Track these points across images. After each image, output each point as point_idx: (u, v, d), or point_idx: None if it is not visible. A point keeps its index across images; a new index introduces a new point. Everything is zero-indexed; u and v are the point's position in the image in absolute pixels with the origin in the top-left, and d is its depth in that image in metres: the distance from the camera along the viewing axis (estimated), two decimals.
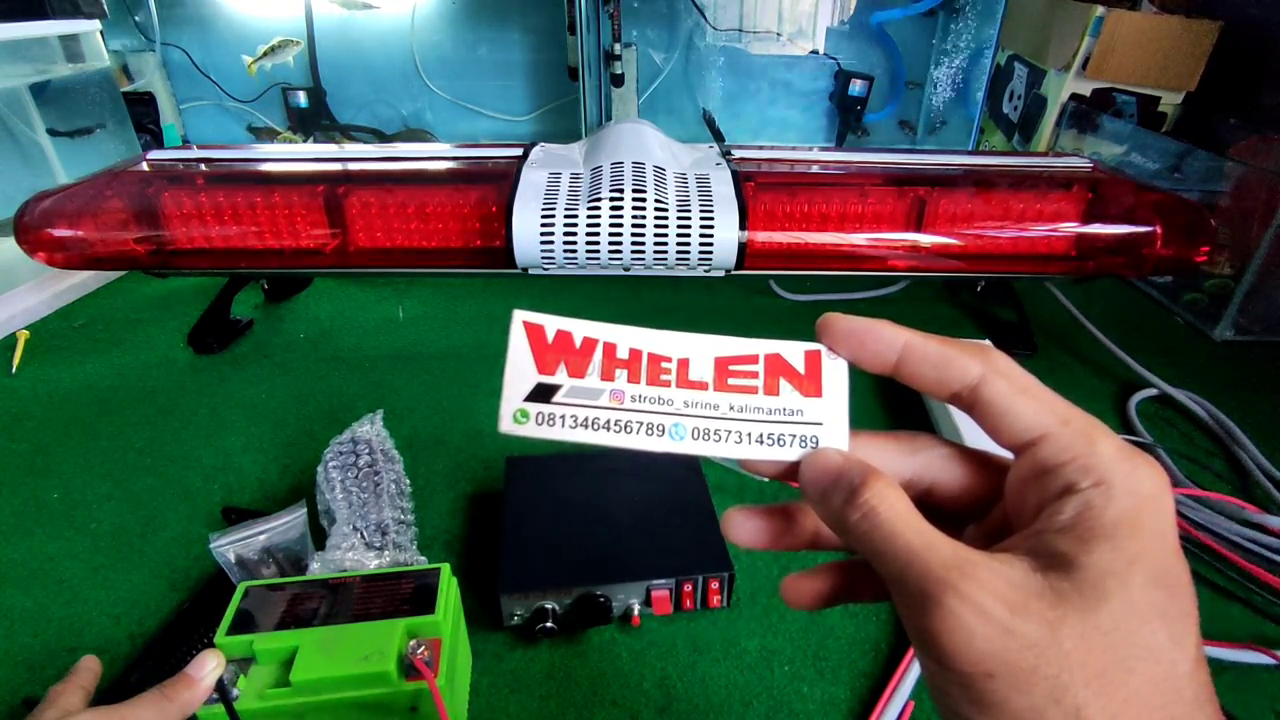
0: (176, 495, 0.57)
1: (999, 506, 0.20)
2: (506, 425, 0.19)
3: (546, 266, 0.66)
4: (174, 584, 0.49)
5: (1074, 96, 1.08)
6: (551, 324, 0.20)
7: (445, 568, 0.38)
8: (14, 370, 0.73)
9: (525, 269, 0.67)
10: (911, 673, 0.43)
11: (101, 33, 0.95)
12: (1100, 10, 1.02)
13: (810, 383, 0.21)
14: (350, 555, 0.44)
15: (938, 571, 0.16)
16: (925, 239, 0.68)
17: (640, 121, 0.80)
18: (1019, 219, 0.68)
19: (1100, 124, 1.02)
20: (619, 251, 0.64)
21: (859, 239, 0.68)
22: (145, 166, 0.70)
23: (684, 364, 0.21)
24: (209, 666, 0.32)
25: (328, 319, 0.85)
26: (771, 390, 0.21)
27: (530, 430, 0.19)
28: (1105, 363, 0.76)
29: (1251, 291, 0.78)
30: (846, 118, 1.36)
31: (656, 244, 0.64)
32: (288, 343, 0.79)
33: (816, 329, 0.21)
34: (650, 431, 0.20)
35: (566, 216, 0.64)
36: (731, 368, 0.21)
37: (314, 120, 1.36)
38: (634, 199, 0.63)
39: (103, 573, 0.50)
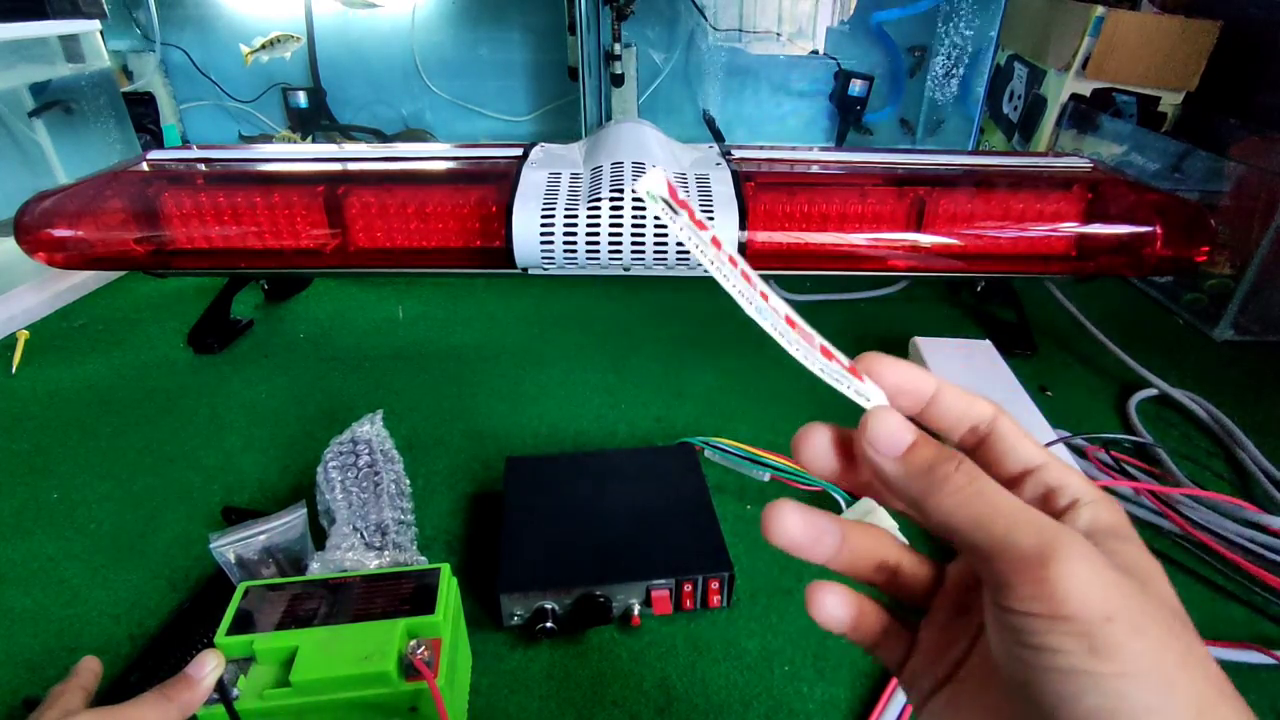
0: (176, 495, 0.57)
1: (940, 596, 0.23)
2: (645, 186, 0.21)
3: (546, 266, 0.66)
4: (174, 584, 0.49)
5: (1074, 96, 1.08)
6: (682, 193, 0.22)
7: (445, 568, 0.38)
8: (14, 370, 0.73)
9: (525, 269, 0.67)
10: None
11: (101, 33, 0.95)
12: (1100, 10, 1.02)
13: (853, 373, 0.22)
14: (350, 555, 0.44)
15: (1050, 527, 0.18)
16: (925, 239, 0.68)
17: (640, 121, 0.80)
18: (1019, 219, 0.68)
19: (1100, 124, 1.02)
20: (619, 251, 0.64)
21: (859, 239, 0.68)
22: (145, 166, 0.70)
23: (765, 295, 0.22)
24: (209, 666, 0.32)
25: (328, 319, 0.85)
26: (826, 355, 0.22)
27: (658, 208, 0.21)
28: (1105, 363, 0.76)
29: (1251, 291, 0.78)
30: (846, 118, 1.37)
31: (656, 244, 0.64)
32: (288, 343, 0.79)
33: (860, 360, 0.23)
34: (743, 297, 0.22)
35: (566, 216, 0.64)
36: (797, 324, 0.23)
37: (314, 120, 1.36)
38: (634, 199, 0.63)
39: (103, 573, 0.50)
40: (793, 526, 0.23)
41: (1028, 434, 0.21)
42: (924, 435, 0.21)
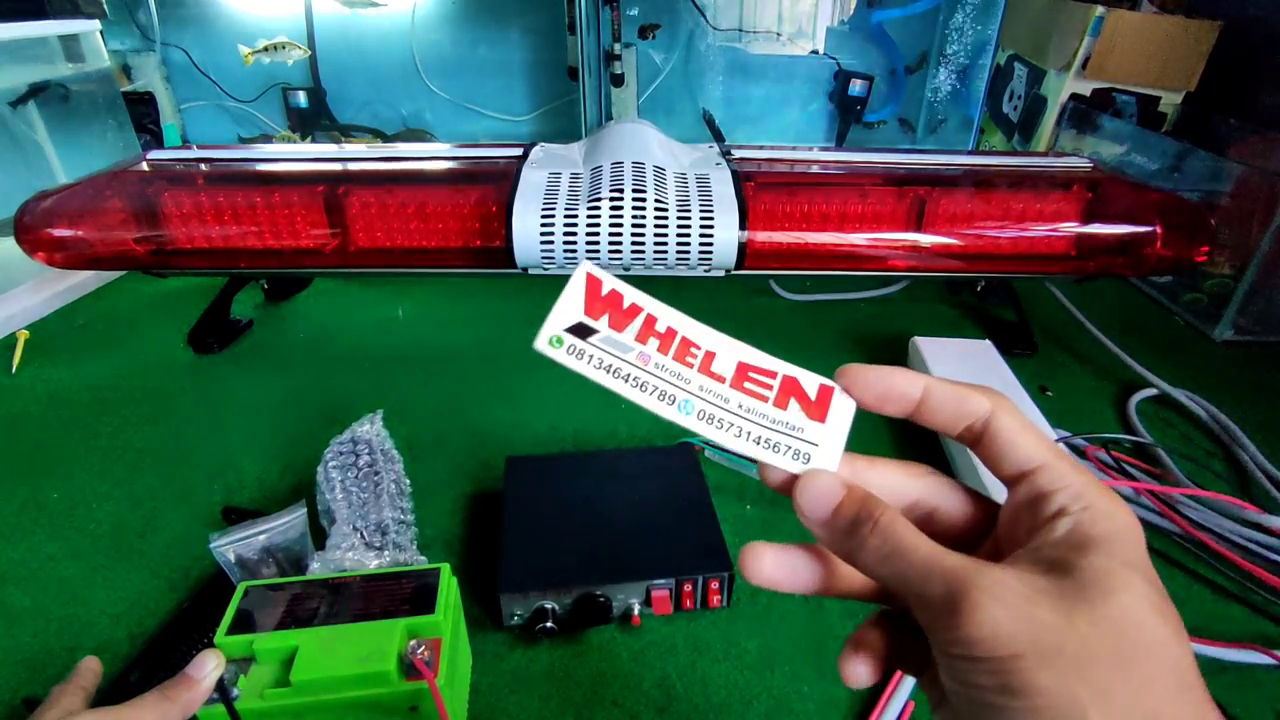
0: (176, 495, 0.57)
1: (990, 540, 0.22)
2: (541, 344, 0.21)
3: (546, 266, 0.66)
4: (174, 584, 0.49)
5: (1074, 96, 1.08)
6: (609, 282, 0.22)
7: (445, 568, 0.38)
8: (14, 370, 0.73)
9: (525, 269, 0.67)
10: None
11: (101, 33, 0.95)
12: (1100, 10, 1.02)
13: (817, 410, 0.22)
14: (350, 555, 0.44)
15: (957, 574, 0.18)
16: (925, 239, 0.68)
17: (640, 121, 0.80)
18: (1019, 219, 0.68)
19: (1100, 124, 1.02)
20: (619, 251, 0.64)
21: (859, 239, 0.68)
22: (145, 166, 0.70)
23: (710, 355, 0.23)
24: (209, 666, 0.32)
25: (328, 319, 0.85)
26: (780, 404, 0.22)
27: (559, 356, 0.21)
28: (1105, 363, 0.76)
29: (1251, 291, 0.78)
30: (846, 118, 1.37)
31: (656, 244, 0.64)
32: (288, 343, 0.79)
33: (837, 374, 0.23)
34: (662, 398, 0.22)
35: (566, 216, 0.64)
36: (751, 374, 0.23)
37: (314, 120, 1.36)
38: (634, 199, 0.63)
39: (103, 573, 0.50)
40: (766, 566, 0.22)
41: (1030, 428, 0.21)
42: (851, 492, 0.21)
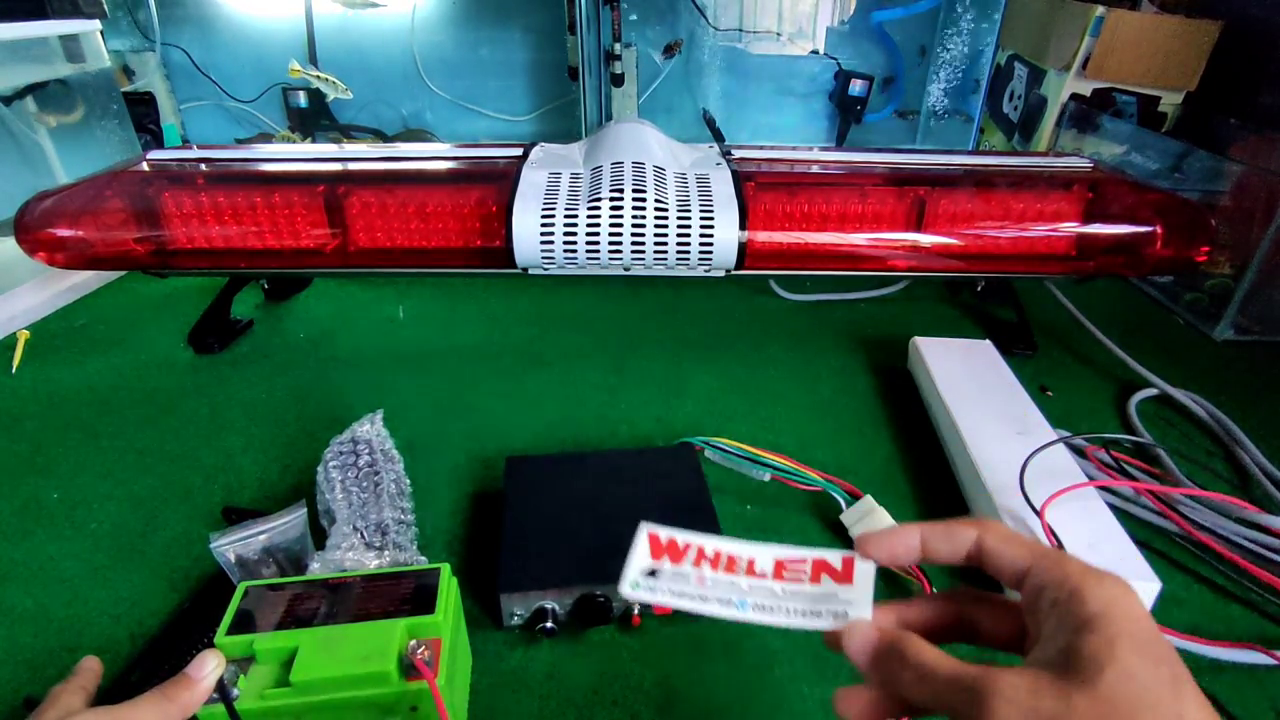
0: (176, 495, 0.57)
1: (1028, 637, 0.25)
2: (625, 589, 0.28)
3: (546, 266, 0.66)
4: (174, 584, 0.49)
5: (1074, 96, 1.08)
6: (665, 534, 0.30)
7: (445, 568, 0.38)
8: (14, 370, 0.73)
9: (525, 269, 0.67)
10: None
11: (101, 33, 0.95)
12: (1100, 10, 1.02)
13: (844, 575, 0.28)
14: (350, 555, 0.44)
15: (975, 683, 0.22)
16: (925, 239, 0.68)
17: (640, 121, 0.80)
18: (1019, 219, 0.68)
19: (1100, 124, 1.02)
20: (619, 251, 0.64)
21: (859, 239, 0.68)
22: (145, 166, 0.70)
23: (751, 561, 0.29)
24: (209, 666, 0.32)
25: (328, 319, 0.85)
26: (815, 580, 0.28)
27: (641, 595, 0.28)
28: (1105, 363, 0.76)
29: (1252, 291, 0.78)
30: (846, 118, 1.37)
31: (656, 244, 0.64)
32: (288, 343, 0.79)
33: (855, 544, 0.28)
34: (723, 603, 0.28)
35: (566, 216, 0.64)
36: (788, 565, 0.29)
37: (314, 120, 1.36)
38: (634, 199, 0.63)
39: (103, 573, 0.50)
40: (856, 710, 0.26)
41: (1013, 539, 0.26)
42: (883, 636, 0.25)
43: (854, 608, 0.27)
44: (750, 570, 0.29)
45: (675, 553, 0.29)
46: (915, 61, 1.35)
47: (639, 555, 0.29)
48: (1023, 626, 0.25)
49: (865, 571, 0.28)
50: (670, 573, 0.28)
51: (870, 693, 0.26)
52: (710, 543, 0.29)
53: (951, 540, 0.26)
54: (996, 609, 0.27)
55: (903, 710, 0.26)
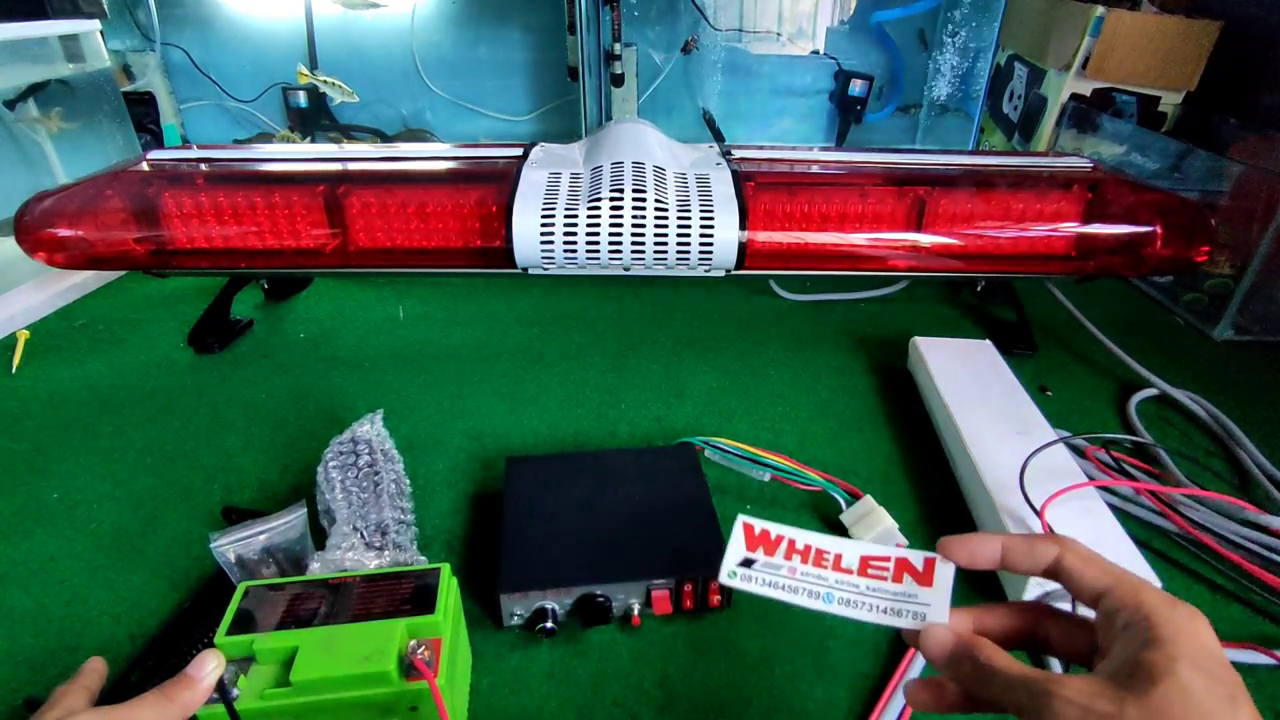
0: (176, 495, 0.57)
1: (1098, 653, 0.27)
2: (724, 578, 0.30)
3: (546, 266, 0.66)
4: (174, 584, 0.49)
5: (1074, 96, 1.08)
6: (759, 526, 0.32)
7: (445, 568, 0.38)
8: (14, 370, 0.73)
9: (525, 269, 0.67)
10: (911, 673, 0.43)
11: (101, 33, 0.95)
12: (1100, 10, 1.02)
13: (925, 577, 0.30)
14: (350, 555, 0.44)
15: (1038, 684, 0.24)
16: (925, 239, 0.68)
17: (640, 121, 0.80)
18: (1019, 219, 0.68)
19: (1100, 124, 1.02)
20: (619, 251, 0.64)
21: (859, 239, 0.68)
22: (145, 166, 0.70)
23: (839, 557, 0.31)
24: (209, 666, 0.32)
25: (328, 319, 0.85)
26: (897, 579, 0.30)
27: (737, 584, 0.30)
28: (1105, 363, 0.76)
29: (1251, 291, 0.78)
30: (846, 118, 1.37)
31: (656, 244, 0.64)
32: (288, 343, 0.79)
33: (937, 546, 0.30)
34: (811, 595, 0.30)
35: (566, 216, 0.64)
36: (872, 562, 0.30)
37: (314, 120, 1.36)
38: (634, 199, 0.63)
39: (103, 573, 0.50)
40: (924, 699, 0.30)
41: (1093, 561, 0.27)
42: (958, 638, 0.28)
43: (932, 610, 0.29)
44: (837, 565, 0.30)
45: (769, 544, 0.31)
46: (915, 51, 1.34)
47: (736, 546, 0.31)
48: (1093, 643, 0.27)
49: (945, 574, 0.29)
50: (764, 563, 0.31)
51: (940, 686, 0.29)
52: (801, 536, 0.31)
53: (1032, 554, 0.28)
54: (1070, 624, 0.29)
55: (968, 705, 0.29)
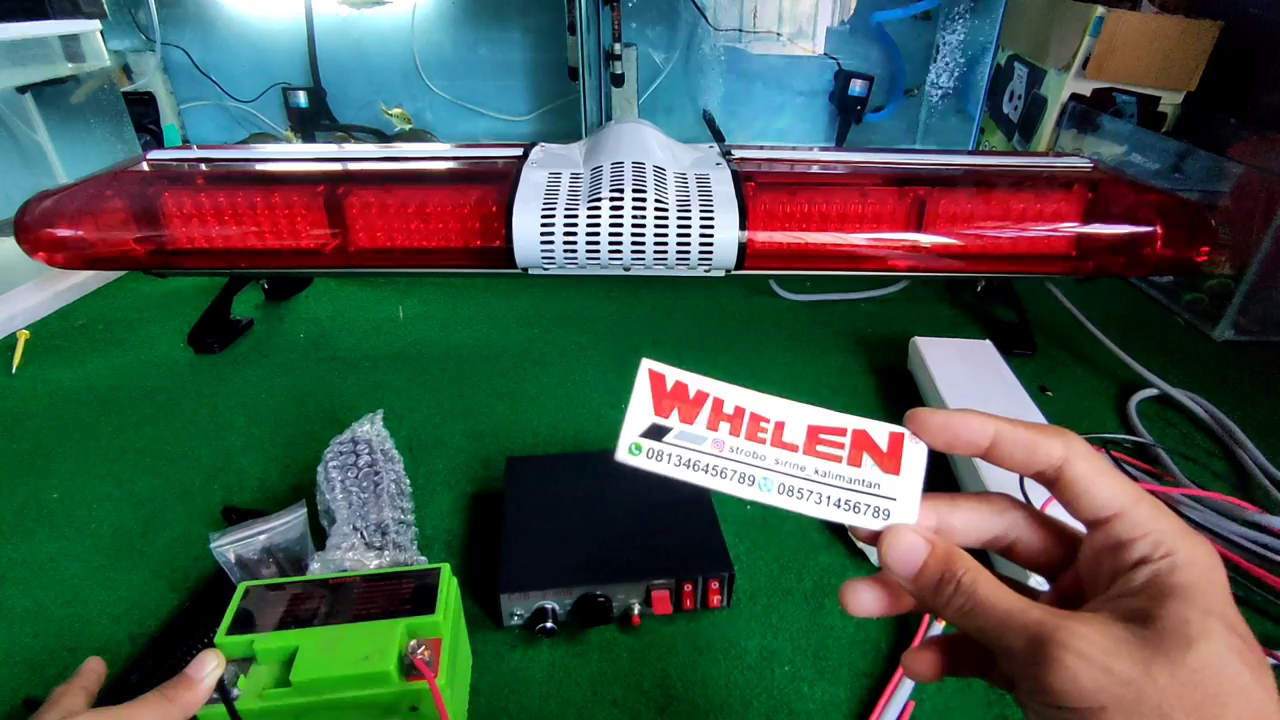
0: (176, 495, 0.57)
1: (1070, 571, 0.23)
2: (621, 455, 0.22)
3: (546, 266, 0.66)
4: (174, 584, 0.49)
5: (1074, 96, 1.08)
6: (672, 375, 0.23)
7: (445, 568, 0.38)
8: (14, 370, 0.73)
9: (525, 269, 0.67)
10: None
11: (101, 33, 0.95)
12: (1100, 10, 1.02)
13: (890, 461, 0.23)
14: (350, 555, 0.44)
15: (1036, 629, 0.19)
16: (925, 239, 0.68)
17: (640, 121, 0.80)
18: (1019, 219, 0.68)
19: (1100, 124, 1.02)
20: (619, 251, 0.64)
21: (859, 239, 0.68)
22: (145, 166, 0.70)
23: (780, 426, 0.23)
24: (209, 667, 0.32)
25: (328, 319, 0.85)
26: (854, 462, 0.23)
27: (640, 462, 0.22)
28: (1105, 363, 0.76)
29: (1252, 291, 0.78)
30: (846, 118, 1.37)
31: (656, 244, 0.64)
32: (288, 343, 0.79)
33: (905, 419, 0.23)
34: (742, 480, 0.23)
35: (566, 216, 0.64)
36: (821, 436, 0.23)
37: (314, 120, 1.36)
38: (634, 199, 0.63)
39: (103, 573, 0.50)
40: (865, 601, 0.24)
41: (1106, 472, 0.21)
42: (934, 550, 0.22)
43: (898, 507, 0.23)
44: (778, 439, 0.23)
45: (686, 404, 0.23)
46: (918, 36, 1.33)
47: (639, 407, 0.23)
48: (1062, 559, 0.23)
49: (915, 459, 0.23)
50: (679, 434, 0.23)
51: (882, 588, 0.24)
52: (731, 394, 0.24)
53: (1031, 452, 0.22)
54: (1047, 531, 0.24)
55: (962, 666, 0.24)
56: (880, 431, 0.23)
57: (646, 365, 0.23)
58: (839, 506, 0.23)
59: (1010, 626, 0.20)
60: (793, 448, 0.23)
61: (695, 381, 0.23)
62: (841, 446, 0.23)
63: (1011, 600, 0.20)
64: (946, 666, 0.24)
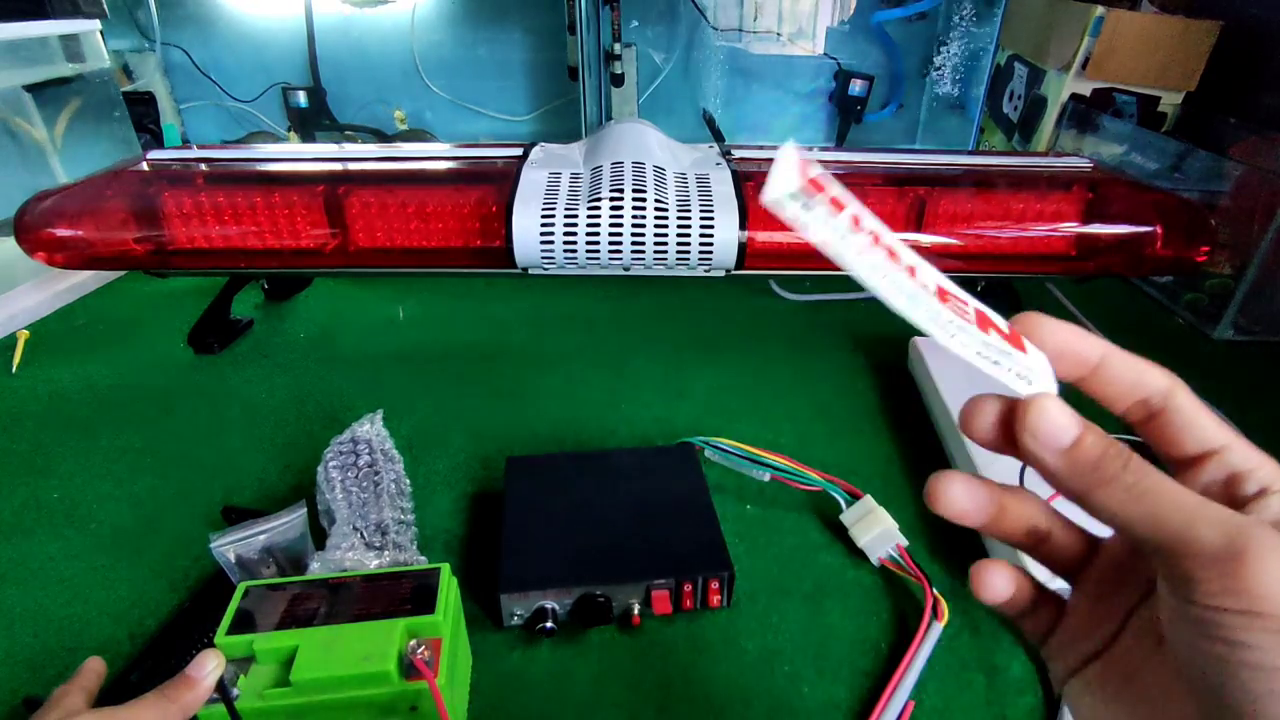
0: (176, 495, 0.57)
1: (1090, 572, 0.23)
2: (773, 195, 0.17)
3: (546, 266, 0.66)
4: (174, 584, 0.49)
5: (1074, 96, 1.08)
6: (817, 171, 0.18)
7: (445, 568, 0.38)
8: (14, 370, 0.73)
9: (525, 269, 0.67)
10: (911, 673, 0.43)
11: (101, 33, 0.95)
12: (1100, 10, 1.02)
13: (1013, 341, 0.20)
14: (350, 555, 0.44)
15: (1236, 522, 0.17)
16: (925, 239, 0.68)
17: (640, 121, 0.80)
18: (1019, 219, 0.68)
19: (1100, 124, 1.02)
20: (619, 251, 0.64)
21: None
22: (145, 166, 0.70)
23: (912, 269, 0.20)
24: (209, 667, 0.32)
25: (328, 319, 0.85)
26: (983, 328, 0.20)
27: (795, 214, 0.17)
28: None
29: (1252, 291, 0.78)
30: (846, 118, 1.37)
31: (656, 244, 0.64)
32: (288, 343, 0.79)
33: (1013, 320, 0.21)
34: (894, 286, 0.18)
35: (566, 216, 0.64)
36: (950, 296, 0.20)
37: (314, 120, 1.36)
38: (634, 199, 0.63)
39: (103, 573, 0.50)
40: (958, 497, 0.22)
41: (1206, 409, 0.20)
42: (1089, 427, 0.20)
43: (1039, 376, 0.20)
44: (912, 275, 0.20)
45: (827, 201, 0.18)
46: (917, 36, 1.33)
47: (785, 171, 0.17)
48: (1079, 562, 0.23)
49: (1037, 350, 0.21)
50: (822, 212, 0.18)
51: (984, 489, 0.22)
52: (868, 219, 0.19)
53: (1138, 379, 0.20)
54: (1073, 531, 0.23)
55: (999, 528, 0.23)
56: (999, 319, 0.21)
57: (794, 148, 0.18)
58: (979, 356, 0.19)
59: (1200, 516, 0.17)
60: (924, 289, 0.19)
61: (836, 187, 0.18)
62: (968, 312, 0.20)
63: (1191, 493, 0.18)
64: (1020, 604, 0.23)
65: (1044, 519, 0.23)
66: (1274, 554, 0.16)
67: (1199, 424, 0.20)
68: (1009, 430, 0.21)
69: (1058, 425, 0.20)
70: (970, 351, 0.19)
